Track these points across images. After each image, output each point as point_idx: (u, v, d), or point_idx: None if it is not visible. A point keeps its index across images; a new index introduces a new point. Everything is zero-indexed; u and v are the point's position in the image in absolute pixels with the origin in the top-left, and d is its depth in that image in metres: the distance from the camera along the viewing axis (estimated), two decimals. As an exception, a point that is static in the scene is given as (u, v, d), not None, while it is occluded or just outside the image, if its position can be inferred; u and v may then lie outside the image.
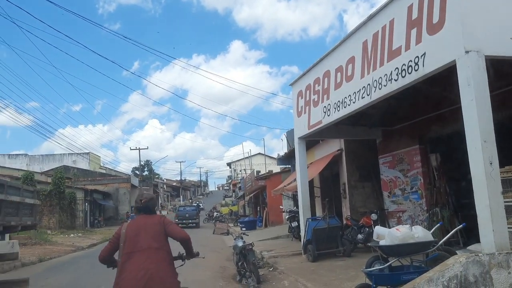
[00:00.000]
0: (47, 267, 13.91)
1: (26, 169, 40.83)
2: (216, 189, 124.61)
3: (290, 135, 26.56)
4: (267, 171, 41.25)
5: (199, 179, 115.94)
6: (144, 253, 3.82)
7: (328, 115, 10.19)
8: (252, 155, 64.18)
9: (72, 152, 52.22)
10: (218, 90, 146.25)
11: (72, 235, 27.63)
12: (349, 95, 9.14)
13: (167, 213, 59.57)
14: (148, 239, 3.91)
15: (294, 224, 16.80)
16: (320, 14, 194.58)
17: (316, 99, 10.87)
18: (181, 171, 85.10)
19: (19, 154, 55.88)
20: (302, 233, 11.97)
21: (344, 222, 12.37)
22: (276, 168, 39.57)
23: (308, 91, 11.35)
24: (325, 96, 10.34)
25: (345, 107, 9.40)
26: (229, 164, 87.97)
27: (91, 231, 32.29)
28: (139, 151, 51.56)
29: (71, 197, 32.84)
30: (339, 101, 9.63)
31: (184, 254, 4.33)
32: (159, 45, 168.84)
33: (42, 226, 28.55)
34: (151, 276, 3.70)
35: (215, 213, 39.63)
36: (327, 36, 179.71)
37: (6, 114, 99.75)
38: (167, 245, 4.04)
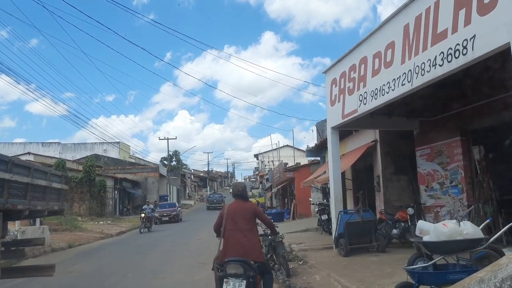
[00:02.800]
0: (76, 253, 14.02)
1: (58, 157, 41.61)
2: (243, 180, 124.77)
3: (320, 126, 26.08)
4: (295, 163, 40.77)
5: (226, 170, 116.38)
6: (241, 233, 5.29)
7: (364, 104, 9.72)
8: (280, 147, 63.66)
9: (103, 141, 52.99)
10: (248, 81, 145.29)
11: (101, 222, 27.99)
12: (388, 82, 8.66)
13: (194, 202, 60.01)
14: (243, 222, 5.36)
15: (324, 217, 16.39)
16: (353, 5, 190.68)
17: (351, 87, 10.41)
18: (208, 162, 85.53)
19: (52, 142, 56.95)
20: (334, 226, 11.57)
21: (378, 216, 11.88)
22: (304, 161, 38.96)
23: (342, 79, 10.89)
24: (362, 84, 9.88)
25: (383, 95, 8.92)
26: (256, 156, 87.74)
27: (120, 219, 32.68)
28: (168, 141, 51.92)
29: (101, 184, 33.23)
30: (376, 88, 9.15)
31: (269, 232, 6.58)
32: (192, 36, 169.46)
33: (72, 212, 29.06)
34: (246, 250, 5.18)
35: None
36: (360, 27, 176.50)
37: (42, 103, 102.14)
38: (255, 226, 5.57)
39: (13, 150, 47.69)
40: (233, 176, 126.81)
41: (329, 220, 16.40)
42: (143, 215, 23.72)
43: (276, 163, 48.91)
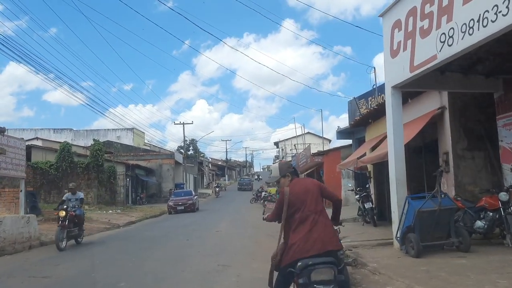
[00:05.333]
0: (66, 249, 11.42)
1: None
2: (261, 170, 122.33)
3: (353, 104, 23.25)
4: (316, 151, 38.05)
5: (245, 159, 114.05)
6: (313, 218, 4.01)
7: (450, 45, 6.89)
8: (303, 134, 60.91)
9: (116, 128, 50.82)
10: (267, 70, 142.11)
11: (110, 211, 25.66)
12: (495, 5, 5.85)
13: (212, 191, 57.63)
14: (313, 203, 4.09)
15: (368, 205, 13.68)
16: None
17: (426, 27, 7.57)
18: (226, 150, 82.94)
19: (65, 129, 55.07)
20: (395, 217, 8.82)
21: (452, 203, 9.01)
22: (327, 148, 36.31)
23: (411, 18, 8.05)
24: (444, 18, 7.04)
25: (484, 27, 6.10)
26: (276, 144, 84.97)
27: (132, 208, 30.26)
28: (183, 126, 49.44)
29: (111, 171, 30.79)
30: (472, 19, 6.33)
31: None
32: (210, 24, 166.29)
33: (79, 200, 26.82)
34: (325, 239, 3.89)
35: (263, 193, 36.84)
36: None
37: (60, 91, 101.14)
38: (323, 206, 4.19)
39: (23, 135, 45.74)
40: (252, 165, 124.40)
41: (373, 209, 13.76)
42: (63, 213, 11.44)
43: (300, 148, 46.10)
